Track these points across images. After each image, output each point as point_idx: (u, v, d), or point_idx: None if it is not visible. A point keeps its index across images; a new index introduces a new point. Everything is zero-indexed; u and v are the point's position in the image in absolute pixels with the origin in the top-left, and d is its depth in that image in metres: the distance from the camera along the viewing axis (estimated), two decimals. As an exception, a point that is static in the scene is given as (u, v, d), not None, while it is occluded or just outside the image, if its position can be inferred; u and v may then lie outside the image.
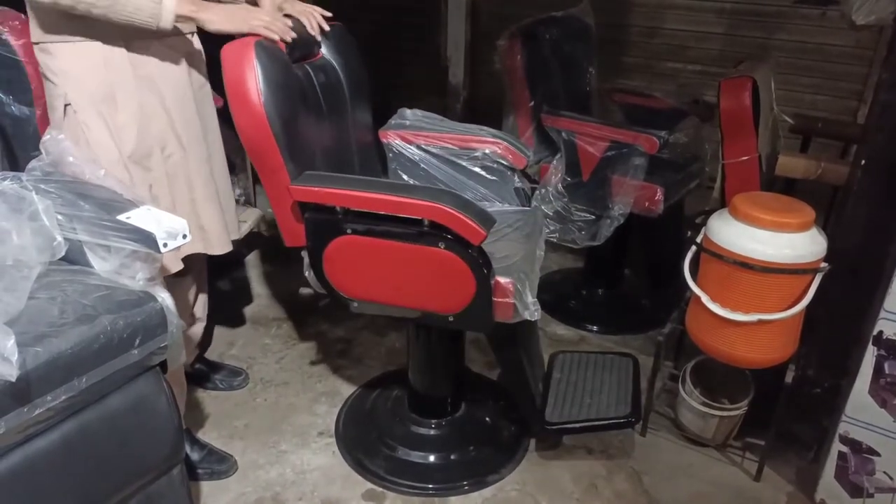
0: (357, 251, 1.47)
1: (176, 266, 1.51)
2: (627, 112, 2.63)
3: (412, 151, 1.80)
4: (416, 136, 1.79)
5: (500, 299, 1.46)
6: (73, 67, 1.36)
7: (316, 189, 1.42)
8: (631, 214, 2.14)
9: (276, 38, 1.44)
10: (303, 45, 1.58)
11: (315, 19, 1.62)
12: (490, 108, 2.69)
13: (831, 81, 3.15)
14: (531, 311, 1.46)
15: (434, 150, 1.80)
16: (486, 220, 1.37)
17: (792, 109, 2.67)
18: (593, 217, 2.20)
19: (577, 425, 1.68)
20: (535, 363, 1.81)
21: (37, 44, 1.37)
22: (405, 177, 1.84)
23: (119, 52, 1.39)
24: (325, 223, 1.46)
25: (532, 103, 2.35)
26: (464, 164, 1.80)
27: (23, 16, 1.44)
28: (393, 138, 1.81)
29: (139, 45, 1.41)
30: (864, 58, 3.03)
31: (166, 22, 1.33)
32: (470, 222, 1.33)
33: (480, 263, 1.40)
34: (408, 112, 1.84)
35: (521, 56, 2.30)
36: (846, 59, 3.09)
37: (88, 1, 1.27)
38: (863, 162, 1.53)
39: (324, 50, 1.68)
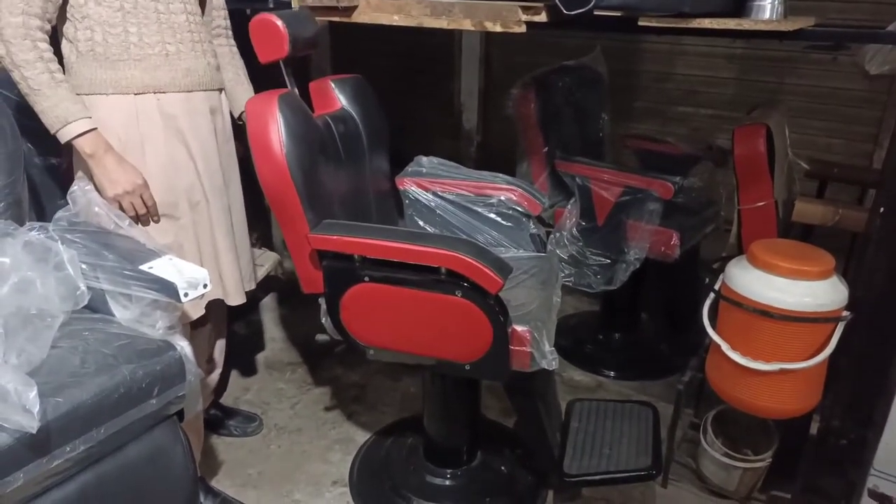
0: (374, 299, 1.48)
1: (197, 312, 1.54)
2: (641, 157, 2.65)
3: (428, 198, 1.82)
4: (432, 184, 1.82)
5: (516, 348, 1.45)
6: (106, 119, 1.41)
7: (334, 238, 1.43)
8: (647, 259, 2.13)
9: (128, 209, 1.44)
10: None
11: None
12: (503, 153, 2.72)
13: (845, 125, 3.15)
14: (549, 360, 1.45)
15: (450, 197, 1.82)
16: (503, 268, 1.37)
17: (806, 153, 2.67)
18: (609, 261, 2.19)
19: (597, 477, 1.64)
20: (553, 412, 1.78)
21: None
22: (421, 223, 1.85)
23: (150, 105, 1.45)
24: (342, 271, 1.47)
25: (546, 149, 2.37)
26: (479, 210, 1.81)
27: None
28: (409, 185, 1.83)
29: (169, 98, 1.47)
30: (877, 101, 3.03)
31: (61, 138, 1.38)
32: (487, 271, 1.33)
33: (497, 312, 1.39)
34: (424, 160, 1.87)
35: (534, 104, 2.33)
36: (859, 103, 3.09)
37: (17, 79, 1.34)
38: (881, 209, 1.52)
39: (343, 101, 1.72)
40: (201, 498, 1.71)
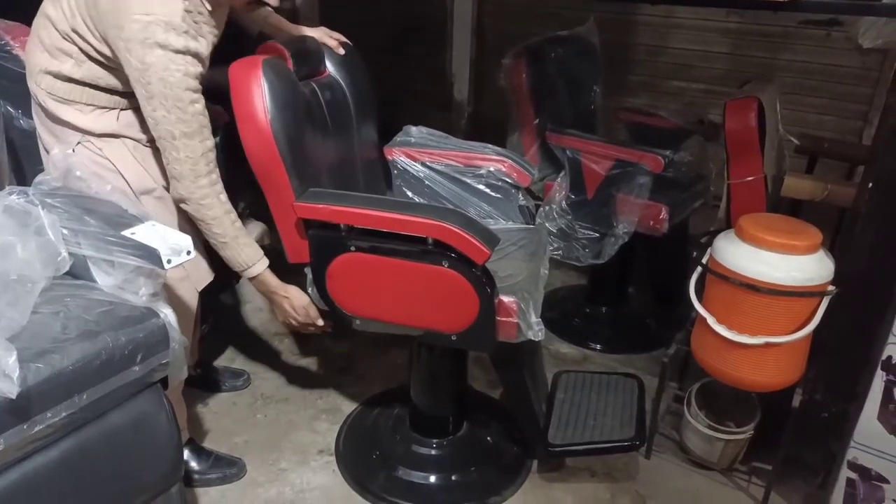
0: (360, 268, 1.47)
1: (209, 277, 1.60)
2: (632, 131, 2.63)
3: (417, 168, 1.81)
4: (420, 154, 1.80)
5: (503, 318, 1.44)
6: (84, 121, 1.42)
7: (320, 206, 1.42)
8: (635, 233, 2.13)
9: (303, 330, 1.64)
10: (310, 63, 1.60)
11: (335, 42, 1.71)
12: (495, 125, 2.70)
13: (836, 102, 3.15)
14: (535, 331, 1.45)
15: (438, 168, 1.80)
16: (490, 239, 1.36)
17: (797, 129, 2.66)
18: (597, 235, 2.19)
19: (581, 448, 1.66)
20: (539, 382, 1.79)
21: (52, 95, 1.39)
22: (409, 193, 1.84)
23: (127, 114, 1.46)
24: (328, 240, 1.46)
25: (537, 121, 2.36)
26: (468, 181, 1.80)
27: (34, 31, 1.45)
28: (398, 155, 1.81)
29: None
30: (869, 79, 3.03)
31: (242, 275, 1.51)
32: (474, 241, 1.32)
33: (484, 282, 1.39)
34: (413, 129, 1.85)
35: (526, 74, 2.31)
36: (851, 80, 3.09)
37: (204, 229, 1.43)
38: (870, 184, 1.52)
39: (330, 67, 1.69)
40: (194, 462, 1.72)
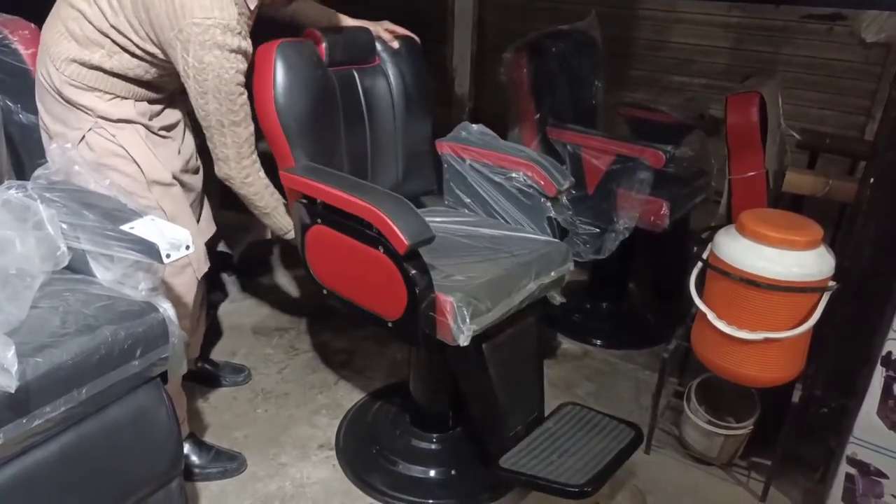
0: (324, 241, 1.54)
1: (206, 265, 1.63)
2: (633, 126, 2.62)
3: (462, 165, 1.84)
4: (464, 150, 1.82)
5: (439, 317, 1.40)
6: (102, 107, 1.45)
7: (293, 177, 1.52)
8: (636, 228, 2.12)
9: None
10: (351, 51, 1.72)
11: (390, 36, 1.82)
12: (496, 120, 2.69)
13: (839, 97, 3.14)
14: (464, 336, 1.39)
15: (478, 167, 1.82)
16: (417, 232, 1.33)
17: (799, 124, 2.66)
18: (598, 230, 2.18)
19: (523, 479, 1.55)
20: (521, 395, 1.67)
21: (75, 83, 1.42)
22: (456, 190, 1.88)
23: (142, 104, 1.51)
24: (305, 210, 1.54)
25: (538, 116, 2.35)
26: (502, 183, 1.79)
27: (32, 25, 1.45)
28: (446, 150, 1.85)
29: (157, 97, 1.54)
30: (871, 73, 3.02)
31: (284, 238, 1.72)
32: (395, 230, 1.32)
33: (411, 273, 1.37)
34: (473, 127, 1.87)
35: (527, 69, 2.30)
36: (854, 75, 3.08)
37: (247, 201, 1.60)
38: (872, 180, 1.52)
39: (384, 58, 1.77)
40: (194, 456, 1.72)
